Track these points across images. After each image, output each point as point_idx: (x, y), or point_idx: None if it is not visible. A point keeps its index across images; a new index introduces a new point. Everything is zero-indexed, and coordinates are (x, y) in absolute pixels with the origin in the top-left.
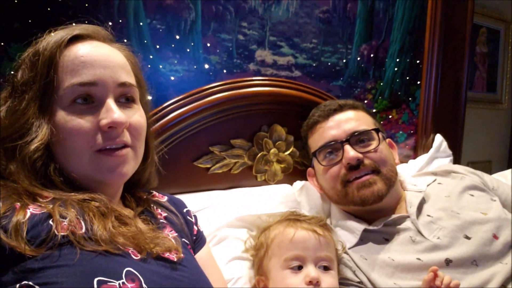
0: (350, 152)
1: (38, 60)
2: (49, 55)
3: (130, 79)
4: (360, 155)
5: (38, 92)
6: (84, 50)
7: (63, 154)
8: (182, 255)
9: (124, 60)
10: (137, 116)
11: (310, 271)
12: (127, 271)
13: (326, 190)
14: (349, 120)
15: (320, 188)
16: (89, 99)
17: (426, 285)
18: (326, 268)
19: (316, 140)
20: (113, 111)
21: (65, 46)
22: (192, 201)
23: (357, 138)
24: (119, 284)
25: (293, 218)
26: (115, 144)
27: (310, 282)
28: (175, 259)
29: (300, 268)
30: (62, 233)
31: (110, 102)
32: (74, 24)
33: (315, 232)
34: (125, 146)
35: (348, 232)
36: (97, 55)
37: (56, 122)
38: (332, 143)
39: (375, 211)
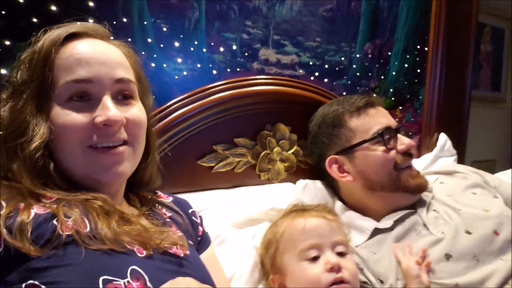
0: (409, 139)
1: (34, 59)
2: (45, 54)
3: (128, 75)
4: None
5: (35, 90)
6: (80, 47)
7: (60, 152)
8: (187, 251)
9: (122, 57)
10: (134, 110)
11: (329, 257)
12: (132, 269)
13: (371, 175)
14: (389, 114)
15: (353, 177)
16: (85, 96)
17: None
18: (342, 254)
19: (368, 122)
20: (108, 109)
21: (61, 44)
22: (196, 200)
23: (402, 130)
24: (124, 283)
25: (299, 209)
26: (112, 142)
27: (332, 269)
28: (181, 255)
29: (317, 258)
30: (67, 233)
31: (107, 100)
32: (78, 22)
33: (325, 218)
34: (122, 143)
35: (356, 231)
36: (93, 52)
37: (52, 118)
38: (390, 128)
39: (396, 205)
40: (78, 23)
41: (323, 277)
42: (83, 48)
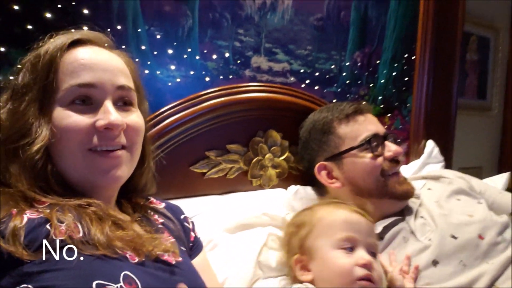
0: (396, 146)
1: (39, 63)
2: (50, 58)
3: (129, 83)
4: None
5: (38, 93)
6: (85, 53)
7: (59, 154)
8: (180, 258)
9: (123, 65)
10: (134, 117)
11: (363, 254)
12: (124, 274)
13: (358, 182)
14: (377, 121)
15: (341, 183)
16: (87, 100)
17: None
18: (374, 256)
19: (356, 129)
20: (110, 113)
21: (66, 49)
22: (188, 206)
23: (390, 137)
24: (117, 287)
25: (339, 201)
26: (111, 146)
27: (365, 265)
28: (173, 262)
29: (351, 250)
30: (60, 238)
31: (108, 104)
32: (74, 30)
33: (366, 218)
34: (120, 148)
35: None
36: (97, 59)
37: (54, 120)
38: (378, 135)
39: (384, 212)
40: (78, 30)
41: (355, 269)
42: (87, 54)
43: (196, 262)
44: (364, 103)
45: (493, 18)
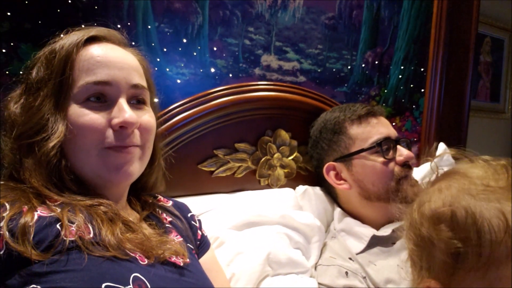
0: (408, 150)
1: (55, 58)
2: (66, 53)
3: (142, 81)
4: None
5: (53, 89)
6: (100, 51)
7: (73, 151)
8: (188, 260)
9: (137, 64)
10: (147, 116)
11: None
12: (134, 276)
13: (367, 185)
14: (390, 125)
15: (349, 185)
16: (101, 98)
17: None
18: None
19: (368, 131)
20: (125, 111)
21: (82, 46)
22: (196, 204)
23: (402, 142)
24: None
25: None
26: (125, 144)
27: None
28: (181, 264)
29: None
30: (70, 238)
31: (123, 102)
32: (85, 26)
33: None
34: (133, 145)
35: (354, 238)
36: (112, 57)
37: (70, 117)
38: (389, 139)
39: (393, 216)
40: (93, 26)
41: None
42: (103, 51)
43: (204, 259)
44: (376, 105)
45: (507, 19)
